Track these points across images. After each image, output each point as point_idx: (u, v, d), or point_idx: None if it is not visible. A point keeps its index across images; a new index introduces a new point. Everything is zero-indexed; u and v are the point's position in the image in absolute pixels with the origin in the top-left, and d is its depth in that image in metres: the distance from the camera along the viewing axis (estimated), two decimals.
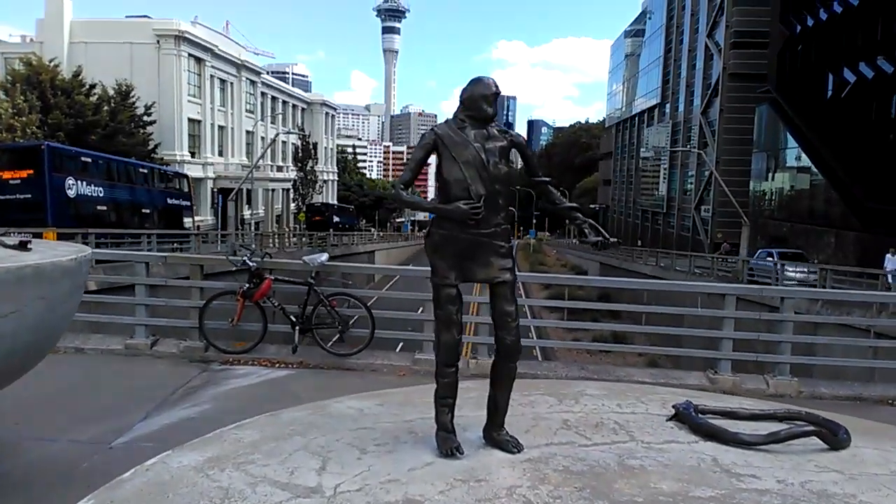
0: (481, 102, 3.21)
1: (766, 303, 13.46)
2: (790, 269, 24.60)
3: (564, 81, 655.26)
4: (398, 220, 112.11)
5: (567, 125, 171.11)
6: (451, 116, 3.33)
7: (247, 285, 7.48)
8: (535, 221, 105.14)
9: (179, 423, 5.45)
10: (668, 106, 68.88)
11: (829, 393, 7.29)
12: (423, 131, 3.71)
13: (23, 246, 3.80)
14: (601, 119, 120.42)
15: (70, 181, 24.81)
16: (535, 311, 29.60)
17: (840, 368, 8.83)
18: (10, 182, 23.85)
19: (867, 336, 11.87)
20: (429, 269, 3.27)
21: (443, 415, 3.23)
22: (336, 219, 61.30)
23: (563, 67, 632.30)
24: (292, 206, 63.03)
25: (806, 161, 40.02)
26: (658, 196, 70.84)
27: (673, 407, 3.75)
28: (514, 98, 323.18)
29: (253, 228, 50.50)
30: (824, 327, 12.47)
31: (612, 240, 3.35)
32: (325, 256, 7.56)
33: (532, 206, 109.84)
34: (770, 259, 26.67)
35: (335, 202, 75.52)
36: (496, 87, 3.25)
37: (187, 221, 35.52)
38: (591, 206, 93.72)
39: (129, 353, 7.51)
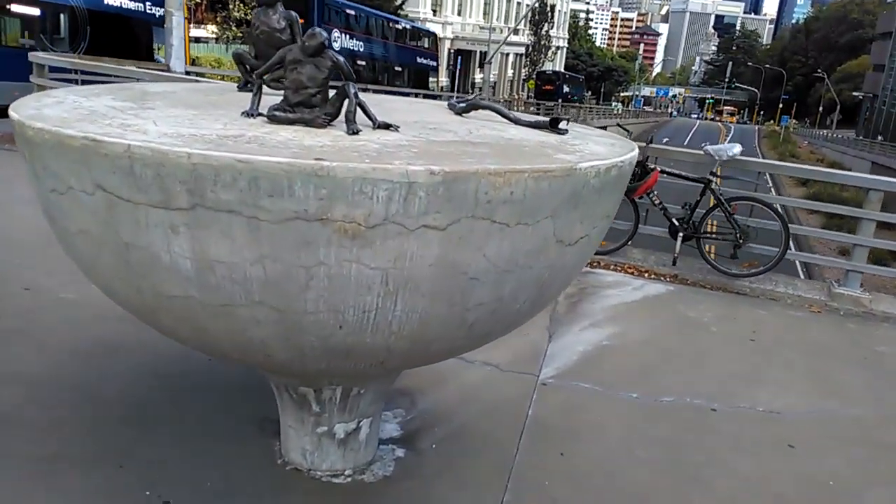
0: None
1: None
2: None
3: None
4: (623, 93, 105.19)
5: None
6: None
7: None
8: (781, 105, 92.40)
9: (595, 351, 4.31)
10: None
11: None
12: None
13: (555, 126, 2.53)
14: None
15: (336, 33, 24.89)
16: (789, 212, 25.13)
17: None
18: None
19: None
20: None
21: None
22: (566, 88, 58.14)
23: None
24: (523, 72, 60.81)
25: None
26: None
27: None
28: None
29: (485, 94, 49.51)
30: None
31: None
32: (738, 148, 5.77)
33: (782, 86, 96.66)
34: None
35: (564, 70, 71.69)
36: None
37: (432, 82, 35.13)
38: (854, 93, 79.80)
39: None
